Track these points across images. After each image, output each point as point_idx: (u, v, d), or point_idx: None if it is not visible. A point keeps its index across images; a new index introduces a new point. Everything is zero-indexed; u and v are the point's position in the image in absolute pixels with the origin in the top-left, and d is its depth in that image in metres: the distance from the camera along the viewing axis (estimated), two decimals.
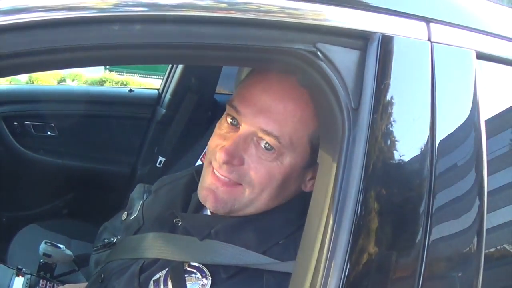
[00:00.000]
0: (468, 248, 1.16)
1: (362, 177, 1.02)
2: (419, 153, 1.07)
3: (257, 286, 1.24)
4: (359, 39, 1.05)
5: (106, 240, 2.70)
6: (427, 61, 1.10)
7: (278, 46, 1.00)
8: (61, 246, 2.40)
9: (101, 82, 7.23)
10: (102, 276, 1.53)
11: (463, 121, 1.14)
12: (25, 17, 0.84)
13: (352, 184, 1.01)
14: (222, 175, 1.29)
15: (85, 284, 1.99)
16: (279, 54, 1.02)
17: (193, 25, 0.93)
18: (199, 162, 2.90)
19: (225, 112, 1.35)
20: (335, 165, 1.05)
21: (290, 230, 1.34)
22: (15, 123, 3.03)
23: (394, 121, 1.06)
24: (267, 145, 1.26)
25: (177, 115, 3.20)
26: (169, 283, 1.30)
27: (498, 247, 1.31)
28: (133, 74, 8.29)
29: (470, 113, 1.15)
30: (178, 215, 1.45)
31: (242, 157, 1.28)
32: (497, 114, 1.26)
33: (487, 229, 1.17)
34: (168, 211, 1.50)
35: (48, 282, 2.26)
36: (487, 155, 1.16)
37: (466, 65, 1.17)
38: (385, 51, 1.05)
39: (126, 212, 1.76)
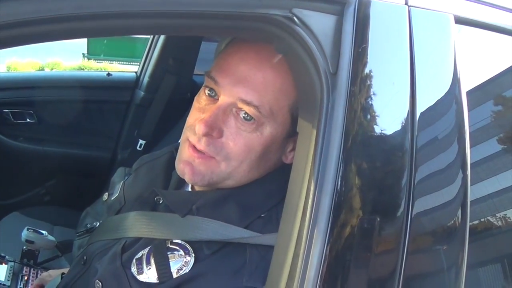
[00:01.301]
0: (452, 221, 1.16)
1: (342, 142, 1.01)
2: (399, 115, 1.07)
3: (241, 260, 1.23)
4: (335, 4, 1.04)
5: (89, 225, 2.69)
6: (405, 25, 1.09)
7: (253, 12, 0.98)
8: (44, 232, 2.39)
9: (80, 70, 7.18)
10: (85, 258, 1.51)
11: (442, 84, 1.14)
12: None
13: (332, 149, 1.01)
14: (200, 149, 1.28)
15: (65, 269, 1.98)
16: (255, 21, 1.00)
17: None
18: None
19: (203, 85, 1.33)
20: (314, 132, 1.04)
21: (271, 203, 1.32)
22: None
23: (373, 85, 1.06)
24: (246, 115, 1.24)
25: (156, 97, 3.18)
26: (152, 261, 1.29)
27: (483, 219, 1.31)
28: (111, 62, 8.24)
29: (449, 76, 1.15)
30: (158, 193, 1.44)
31: (221, 129, 1.26)
32: (477, 80, 1.25)
33: (471, 201, 1.17)
34: (148, 190, 1.49)
35: (32, 269, 2.26)
36: (468, 116, 1.16)
37: (445, 29, 1.16)
38: (362, 16, 1.05)
39: (107, 193, 1.74)
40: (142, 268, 1.29)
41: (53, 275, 1.95)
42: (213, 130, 1.25)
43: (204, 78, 1.32)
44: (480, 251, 1.32)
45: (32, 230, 2.36)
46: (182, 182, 1.48)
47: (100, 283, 1.33)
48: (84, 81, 3.38)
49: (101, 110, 3.20)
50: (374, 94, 1.05)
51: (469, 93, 1.18)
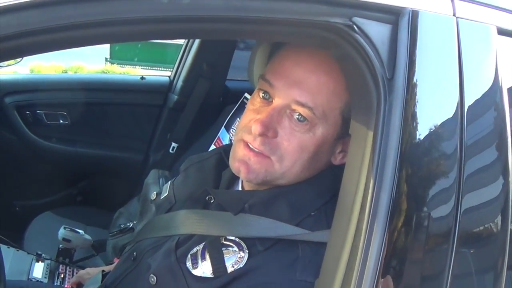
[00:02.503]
0: (495, 220, 1.22)
1: (400, 143, 1.08)
2: (449, 119, 1.14)
3: (293, 255, 1.29)
4: (391, 14, 1.11)
5: (122, 226, 2.78)
6: (454, 35, 1.16)
7: (315, 20, 1.05)
8: (80, 231, 2.46)
9: (103, 73, 7.26)
10: (135, 254, 1.56)
11: (487, 90, 1.21)
12: None
13: (390, 150, 1.08)
14: (255, 148, 1.34)
15: (104, 267, 2.04)
16: (316, 28, 1.07)
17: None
18: (212, 147, 2.95)
19: (257, 87, 1.39)
20: (370, 133, 1.11)
21: (320, 203, 1.38)
22: (27, 112, 3.06)
23: (426, 90, 1.13)
24: (300, 116, 1.30)
25: (189, 101, 3.24)
26: (207, 256, 1.35)
27: None
28: (134, 66, 8.31)
29: (492, 83, 1.21)
30: (211, 192, 1.50)
31: (276, 130, 1.32)
32: None
33: None
34: (199, 189, 1.54)
35: (68, 267, 2.32)
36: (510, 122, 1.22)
37: (488, 39, 1.23)
38: (416, 25, 1.11)
39: (155, 193, 1.80)
40: (197, 263, 1.35)
41: (91, 273, 2.01)
42: (268, 130, 1.31)
43: (258, 81, 1.39)
44: None
45: (69, 229, 2.43)
46: (232, 182, 1.55)
47: (155, 277, 1.39)
48: (118, 84, 3.47)
49: (134, 113, 3.27)
50: (427, 98, 1.13)
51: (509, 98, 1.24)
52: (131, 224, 2.74)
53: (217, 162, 1.63)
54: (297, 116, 1.31)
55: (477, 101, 1.18)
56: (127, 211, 2.98)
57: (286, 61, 1.35)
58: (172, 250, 1.42)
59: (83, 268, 2.22)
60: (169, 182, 1.76)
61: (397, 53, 1.09)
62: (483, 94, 1.20)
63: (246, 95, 2.90)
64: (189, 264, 1.36)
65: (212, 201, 1.49)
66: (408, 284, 1.14)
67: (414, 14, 1.11)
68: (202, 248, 1.37)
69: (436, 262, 1.15)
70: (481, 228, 1.21)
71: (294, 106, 1.31)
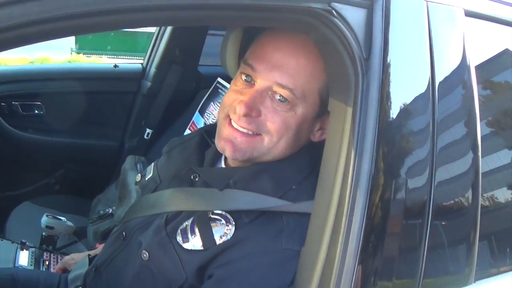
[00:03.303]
0: (466, 191, 1.34)
1: (378, 116, 1.18)
2: (422, 94, 1.25)
3: (278, 226, 1.37)
4: None
5: (101, 212, 2.83)
6: (424, 17, 1.26)
7: (297, 6, 1.13)
8: (62, 218, 2.49)
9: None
10: (124, 234, 1.63)
11: (456, 68, 1.32)
12: None
13: (369, 124, 1.17)
14: (242, 127, 1.42)
15: (90, 251, 2.10)
16: (297, 13, 1.15)
17: None
18: (187, 131, 3.00)
19: (239, 71, 1.47)
20: (349, 109, 1.20)
21: (301, 177, 1.47)
22: (3, 103, 3.07)
23: (400, 68, 1.23)
24: (281, 97, 1.39)
25: (163, 87, 3.28)
26: (196, 230, 1.42)
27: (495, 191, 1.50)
28: (100, 56, 8.28)
29: (459, 61, 1.32)
30: (196, 170, 1.57)
31: (259, 109, 1.40)
32: (483, 64, 1.43)
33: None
34: (184, 169, 1.62)
35: (52, 254, 2.35)
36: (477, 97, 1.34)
37: (456, 21, 1.34)
38: (389, 9, 1.21)
39: (139, 175, 1.87)
40: (187, 237, 1.43)
41: (76, 258, 2.07)
42: (252, 111, 1.39)
43: (241, 64, 1.47)
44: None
45: (51, 217, 2.46)
46: (215, 160, 1.62)
47: (147, 253, 1.47)
48: (92, 72, 3.50)
49: (108, 101, 3.29)
50: (401, 76, 1.23)
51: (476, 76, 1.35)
52: (110, 210, 2.78)
53: (199, 142, 1.70)
54: (279, 97, 1.39)
55: (446, 78, 1.29)
56: (105, 197, 3.02)
57: (266, 46, 1.43)
58: (162, 226, 1.49)
59: (66, 254, 2.27)
60: (153, 164, 1.83)
61: (372, 35, 1.18)
62: (452, 72, 1.30)
63: (219, 79, 2.97)
64: (179, 238, 1.44)
65: (197, 179, 1.56)
66: (389, 243, 1.24)
67: None
68: (191, 222, 1.45)
69: (413, 226, 1.26)
70: (454, 198, 1.33)
71: (276, 88, 1.39)
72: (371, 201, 1.17)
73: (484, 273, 1.43)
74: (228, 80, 2.65)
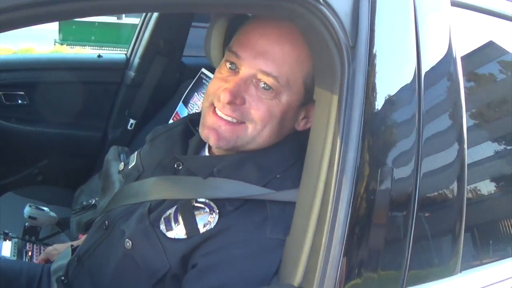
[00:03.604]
0: (452, 181, 1.35)
1: (364, 104, 1.18)
2: (408, 82, 1.25)
3: (262, 214, 1.37)
4: None
5: (84, 203, 2.81)
6: (410, 5, 1.26)
7: None
8: (45, 208, 2.47)
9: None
10: (106, 223, 1.62)
11: (442, 58, 1.32)
12: None
13: (355, 112, 1.17)
14: (226, 115, 1.41)
15: (72, 242, 2.08)
16: (284, 1, 1.14)
17: None
18: (171, 122, 2.99)
19: (224, 59, 1.46)
20: (335, 97, 1.20)
21: (285, 165, 1.47)
22: None
23: (387, 56, 1.23)
24: (265, 85, 1.38)
25: (147, 78, 3.26)
26: (179, 218, 1.41)
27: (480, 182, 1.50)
28: (84, 46, 8.24)
29: (447, 51, 1.33)
30: (180, 158, 1.56)
31: (243, 97, 1.40)
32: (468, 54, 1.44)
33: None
34: (167, 157, 1.61)
35: (35, 245, 2.33)
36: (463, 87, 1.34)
37: (443, 10, 1.34)
38: None
39: (122, 163, 1.85)
40: (170, 226, 1.42)
41: (58, 248, 2.05)
42: (236, 98, 1.38)
43: (225, 52, 1.46)
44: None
45: (34, 207, 2.44)
46: (199, 149, 1.61)
47: (130, 242, 1.45)
48: (75, 63, 3.45)
49: (92, 91, 3.26)
50: (387, 64, 1.23)
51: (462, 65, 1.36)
52: (93, 201, 2.77)
53: (183, 130, 1.69)
54: (263, 85, 1.39)
55: (432, 68, 1.29)
56: (88, 188, 3.01)
57: (251, 34, 1.42)
58: (145, 215, 1.48)
59: (49, 245, 2.25)
60: (136, 152, 1.82)
61: (358, 23, 1.18)
62: (438, 62, 1.31)
63: (203, 70, 2.96)
64: (162, 227, 1.43)
65: (180, 167, 1.55)
66: (375, 233, 1.24)
67: None
68: (174, 211, 1.44)
69: (399, 216, 1.27)
70: (440, 189, 1.34)
71: (260, 76, 1.38)
72: (357, 190, 1.17)
73: (469, 263, 1.44)
74: (212, 70, 2.63)
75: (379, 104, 1.20)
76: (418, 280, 1.33)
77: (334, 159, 1.17)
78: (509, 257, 1.56)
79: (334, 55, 1.19)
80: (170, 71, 3.29)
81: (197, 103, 2.91)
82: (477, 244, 1.52)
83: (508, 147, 1.63)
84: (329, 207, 1.17)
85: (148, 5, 1.15)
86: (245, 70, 1.39)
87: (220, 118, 1.42)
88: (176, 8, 1.34)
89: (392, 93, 1.22)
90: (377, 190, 1.21)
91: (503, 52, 1.58)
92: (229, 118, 1.41)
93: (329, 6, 1.14)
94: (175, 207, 1.44)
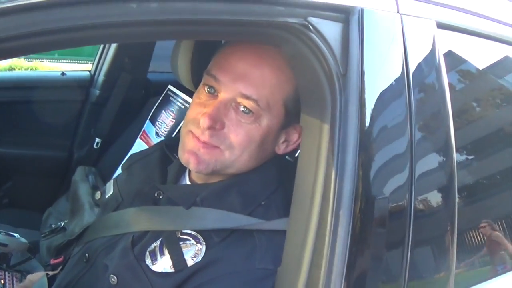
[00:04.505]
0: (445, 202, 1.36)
1: (358, 133, 1.16)
2: (400, 110, 1.24)
3: (250, 244, 1.34)
4: (342, 13, 1.17)
5: (53, 226, 2.73)
6: (399, 30, 1.26)
7: (273, 21, 1.10)
8: (15, 234, 2.39)
9: (11, 69, 7.00)
10: (87, 255, 1.57)
11: (431, 77, 1.32)
12: None
13: (349, 140, 1.15)
14: (204, 140, 1.37)
15: (45, 272, 2.01)
16: (273, 28, 1.12)
17: (202, 2, 1.03)
18: (138, 141, 2.94)
19: (202, 83, 1.43)
20: (325, 126, 1.17)
21: (269, 191, 1.44)
22: None
23: (378, 82, 1.21)
24: (245, 109, 1.36)
25: (112, 95, 3.19)
26: (166, 251, 1.37)
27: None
28: (42, 60, 8.08)
29: (436, 71, 1.33)
30: (160, 188, 1.53)
31: (223, 122, 1.36)
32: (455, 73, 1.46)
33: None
34: (146, 185, 1.57)
35: (7, 273, 2.25)
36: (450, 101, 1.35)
37: (429, 33, 1.34)
38: (365, 23, 1.19)
39: (99, 192, 1.81)
40: (156, 260, 1.38)
41: (33, 280, 1.98)
42: (216, 123, 1.35)
43: (204, 76, 1.43)
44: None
45: (4, 233, 2.36)
46: (179, 176, 1.58)
47: (116, 278, 1.40)
48: (38, 81, 3.36)
49: (55, 110, 3.17)
50: (379, 90, 1.21)
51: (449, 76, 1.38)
52: (62, 224, 2.70)
53: (160, 157, 1.66)
54: (243, 109, 1.36)
55: (422, 89, 1.29)
56: (56, 210, 2.93)
57: (230, 57, 1.39)
58: (129, 248, 1.43)
59: (21, 272, 2.19)
60: (112, 180, 1.78)
61: (349, 49, 1.16)
62: (427, 83, 1.32)
63: (170, 87, 2.91)
64: (148, 261, 1.38)
65: (161, 197, 1.51)
66: (374, 262, 1.24)
67: (363, 12, 1.19)
68: (160, 244, 1.40)
69: (396, 242, 1.25)
70: (434, 207, 1.33)
71: (240, 99, 1.36)
72: (354, 223, 1.15)
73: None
74: (179, 87, 2.61)
75: (374, 133, 1.19)
76: None
77: (330, 189, 1.14)
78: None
79: (323, 83, 1.17)
80: (135, 88, 3.22)
81: (165, 121, 2.85)
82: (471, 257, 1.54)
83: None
84: (326, 240, 1.14)
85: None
86: (225, 93, 1.37)
87: (199, 141, 1.38)
88: (165, 37, 1.31)
89: (386, 118, 1.22)
90: (373, 222, 1.20)
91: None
92: (207, 142, 1.38)
93: (319, 33, 1.12)
94: (159, 240, 1.40)
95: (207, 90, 1.41)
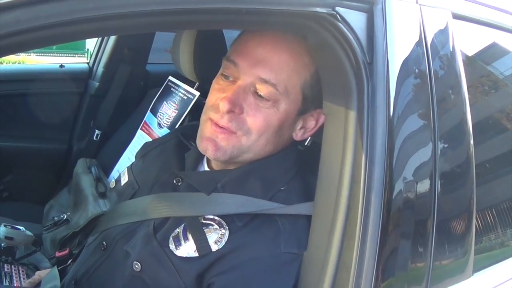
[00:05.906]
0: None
1: (386, 119, 1.20)
2: (423, 94, 1.29)
3: (275, 229, 1.36)
4: (366, 3, 1.21)
5: (56, 218, 2.74)
6: (418, 19, 1.30)
7: (301, 10, 1.13)
8: (21, 227, 2.39)
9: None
10: (104, 243, 1.58)
11: (449, 63, 1.38)
12: None
13: (378, 127, 1.19)
14: (222, 125, 1.40)
15: (51, 268, 2.02)
16: (302, 18, 1.15)
17: None
18: (139, 132, 2.94)
19: (221, 70, 1.46)
20: (352, 113, 1.21)
21: (288, 177, 1.47)
22: None
23: (403, 69, 1.25)
24: (263, 93, 1.38)
25: (111, 87, 3.22)
26: (189, 236, 1.39)
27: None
28: (29, 54, 8.02)
29: (451, 59, 1.38)
30: (180, 175, 1.54)
31: (242, 106, 1.39)
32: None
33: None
34: (164, 173, 1.59)
35: (13, 266, 2.26)
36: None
37: (446, 22, 1.38)
38: (387, 13, 1.23)
39: (114, 180, 1.82)
40: (180, 245, 1.40)
41: (42, 274, 1.96)
42: (235, 107, 1.38)
43: (223, 62, 1.46)
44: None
45: (10, 227, 2.36)
46: (197, 163, 1.60)
47: (140, 264, 1.42)
48: (36, 73, 3.38)
49: (55, 102, 3.20)
50: (404, 77, 1.25)
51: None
52: (65, 216, 2.70)
53: (177, 144, 1.68)
54: (261, 93, 1.38)
55: (442, 76, 1.34)
56: (57, 203, 2.93)
57: (249, 42, 1.42)
58: (151, 235, 1.45)
59: (26, 265, 2.21)
60: (126, 168, 1.79)
61: (374, 39, 1.19)
62: (446, 71, 1.36)
63: (171, 78, 2.92)
64: (172, 246, 1.40)
65: (180, 184, 1.53)
66: (403, 242, 1.28)
67: (386, 2, 1.23)
68: (183, 229, 1.42)
69: (423, 221, 1.31)
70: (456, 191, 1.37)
71: (258, 83, 1.38)
72: (385, 205, 1.19)
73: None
74: (180, 78, 2.62)
75: (400, 119, 1.23)
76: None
77: (360, 175, 1.18)
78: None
79: (348, 71, 1.20)
80: (135, 80, 3.24)
81: (167, 112, 2.86)
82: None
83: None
84: (358, 223, 1.18)
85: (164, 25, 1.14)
86: (244, 78, 1.39)
87: (218, 127, 1.41)
88: (192, 26, 1.33)
89: (411, 104, 1.26)
90: (402, 203, 1.24)
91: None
92: (225, 127, 1.40)
93: (346, 23, 1.15)
94: (183, 225, 1.42)
95: (226, 76, 1.44)
